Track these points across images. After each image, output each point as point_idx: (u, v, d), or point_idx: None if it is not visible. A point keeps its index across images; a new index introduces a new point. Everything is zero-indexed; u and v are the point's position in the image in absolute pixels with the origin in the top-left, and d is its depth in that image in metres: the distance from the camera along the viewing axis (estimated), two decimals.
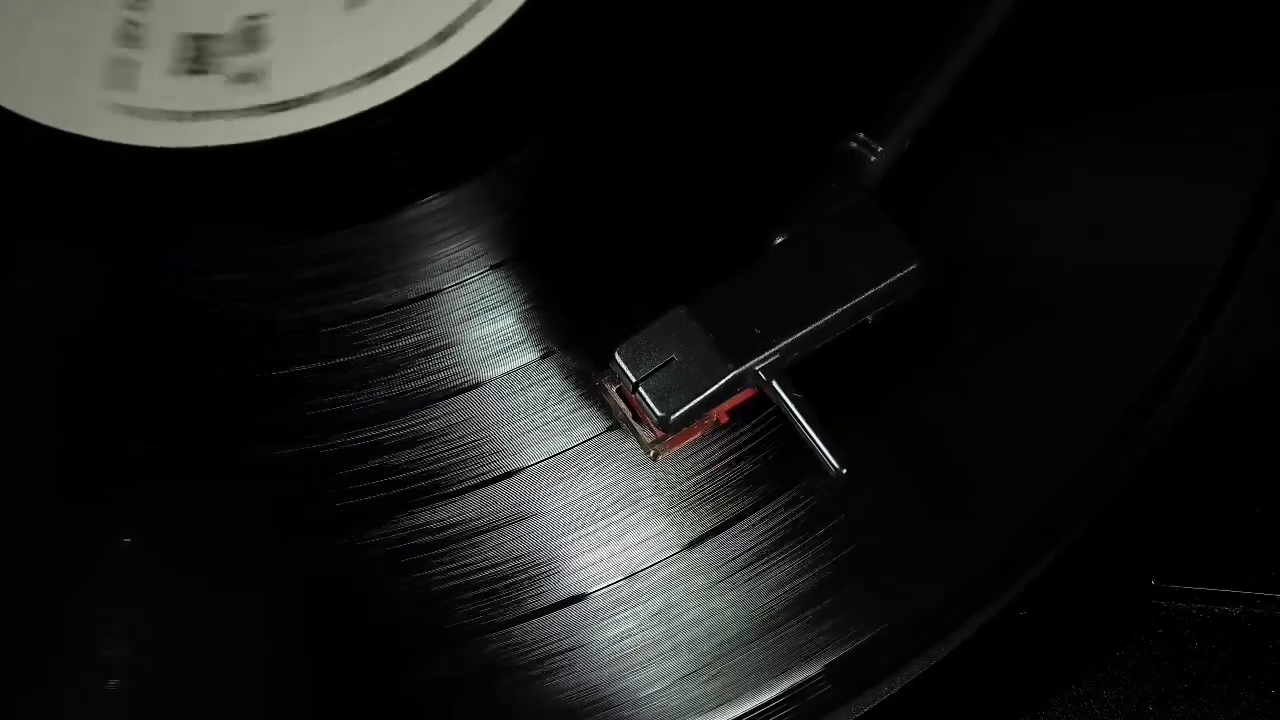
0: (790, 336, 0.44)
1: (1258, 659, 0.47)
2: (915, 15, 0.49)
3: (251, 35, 0.52)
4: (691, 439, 0.45)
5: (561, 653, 0.44)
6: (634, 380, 0.44)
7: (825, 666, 0.44)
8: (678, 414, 0.44)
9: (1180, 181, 0.48)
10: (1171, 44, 0.50)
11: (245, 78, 0.51)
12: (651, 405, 0.44)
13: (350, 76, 0.51)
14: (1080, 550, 0.46)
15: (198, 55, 0.52)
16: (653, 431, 0.44)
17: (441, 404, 0.46)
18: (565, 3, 0.51)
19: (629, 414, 0.45)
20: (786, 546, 0.45)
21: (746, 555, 0.45)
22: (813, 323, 0.44)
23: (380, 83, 0.51)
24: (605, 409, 0.46)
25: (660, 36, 0.51)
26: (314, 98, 0.51)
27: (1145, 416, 0.46)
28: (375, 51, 0.51)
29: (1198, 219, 0.48)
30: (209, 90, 0.51)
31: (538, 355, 0.47)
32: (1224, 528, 0.48)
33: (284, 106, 0.51)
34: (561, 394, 0.46)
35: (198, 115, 0.51)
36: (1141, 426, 0.46)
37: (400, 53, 0.51)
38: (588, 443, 0.46)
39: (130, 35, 0.52)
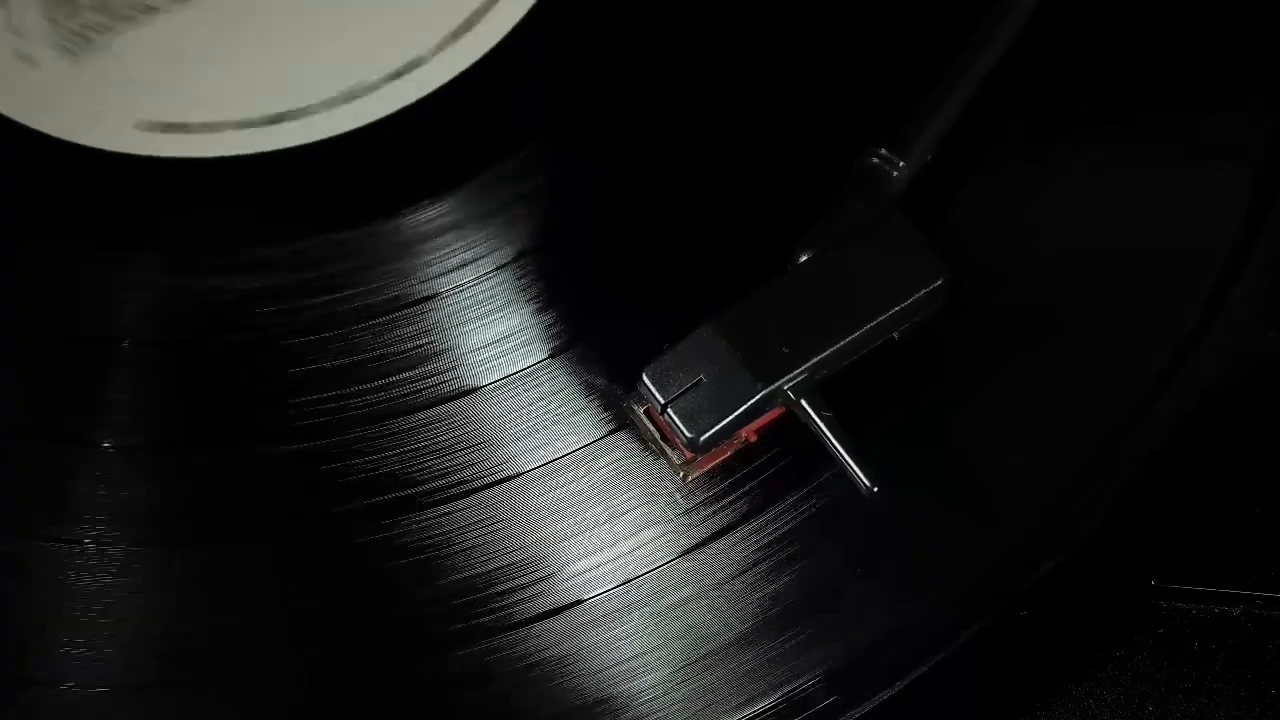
0: (819, 354, 0.44)
1: (1258, 659, 0.47)
2: (934, 28, 0.49)
3: None
4: (721, 459, 0.45)
5: (558, 658, 0.44)
6: (662, 402, 0.44)
7: (825, 667, 0.44)
8: (707, 435, 0.44)
9: (1180, 182, 0.49)
10: (1172, 46, 0.50)
11: None
12: (681, 426, 0.44)
13: (350, 84, 0.51)
14: (1080, 550, 0.46)
15: None
16: (682, 452, 0.44)
17: (441, 407, 0.47)
18: (578, 11, 0.51)
19: (657, 435, 0.45)
20: (785, 550, 0.45)
21: (746, 558, 0.45)
22: (841, 340, 0.44)
23: (384, 89, 0.51)
24: (609, 415, 0.46)
25: (677, 47, 0.51)
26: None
27: (1145, 417, 0.46)
28: (379, 59, 0.51)
29: (1197, 219, 0.48)
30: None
31: (537, 359, 0.47)
32: (1224, 528, 0.48)
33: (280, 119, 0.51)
34: (562, 397, 0.46)
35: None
36: (1141, 427, 0.46)
37: (404, 59, 0.51)
38: (586, 448, 0.46)
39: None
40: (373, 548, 0.45)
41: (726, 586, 0.45)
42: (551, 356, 0.47)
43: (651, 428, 0.45)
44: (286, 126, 0.51)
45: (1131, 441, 0.46)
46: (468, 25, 0.52)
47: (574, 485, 0.46)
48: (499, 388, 0.47)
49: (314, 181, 0.50)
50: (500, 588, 0.45)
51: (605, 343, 0.47)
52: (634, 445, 0.46)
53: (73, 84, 0.51)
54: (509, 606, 0.44)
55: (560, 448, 0.46)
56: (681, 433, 0.44)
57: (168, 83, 0.52)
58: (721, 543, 0.45)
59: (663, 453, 0.45)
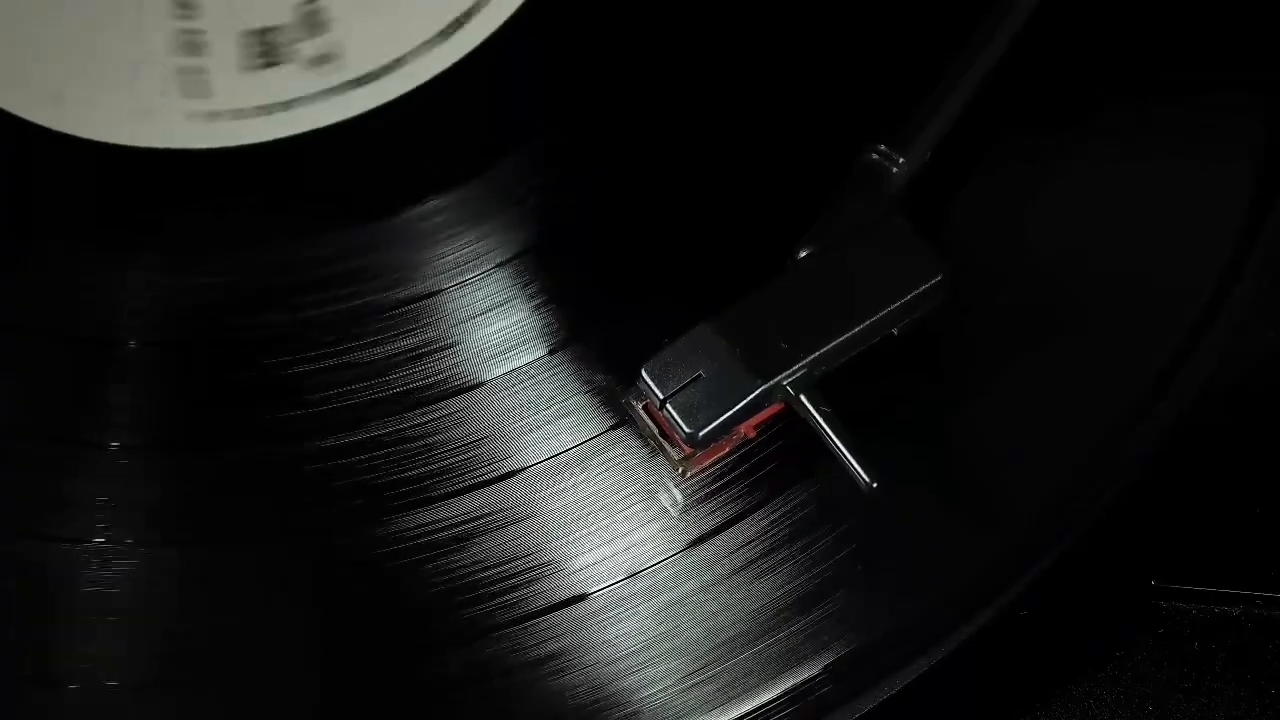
0: (817, 351, 0.44)
1: (1258, 659, 0.47)
2: (933, 28, 0.49)
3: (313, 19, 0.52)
4: (719, 454, 0.45)
5: (562, 653, 0.44)
6: (661, 397, 0.44)
7: (826, 666, 0.44)
8: (706, 430, 0.44)
9: (1180, 182, 0.49)
10: (1172, 46, 0.50)
11: (320, 60, 0.51)
12: (679, 422, 0.44)
13: (351, 78, 0.51)
14: (1080, 550, 0.46)
15: (265, 49, 0.52)
16: (681, 448, 0.45)
17: (443, 403, 0.47)
18: (580, 7, 0.51)
19: (656, 430, 0.45)
20: (786, 547, 0.45)
21: (747, 555, 0.45)
22: (839, 336, 0.44)
23: (385, 83, 0.51)
24: (610, 411, 0.46)
25: (678, 46, 0.51)
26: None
27: (1145, 416, 0.46)
28: (379, 53, 0.52)
29: (1197, 219, 0.48)
30: (285, 80, 0.51)
31: (539, 355, 0.47)
32: (1224, 528, 0.48)
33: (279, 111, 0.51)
34: (562, 394, 0.46)
35: (283, 105, 0.51)
36: (1141, 427, 0.46)
37: (403, 51, 0.51)
38: (589, 442, 0.46)
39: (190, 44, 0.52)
40: (373, 547, 0.45)
41: (724, 584, 0.45)
42: (551, 353, 0.47)
43: (650, 423, 0.45)
44: (285, 118, 0.51)
45: (1131, 441, 0.46)
46: (466, 17, 0.52)
47: (573, 481, 0.46)
48: (499, 385, 0.47)
49: (314, 179, 0.50)
50: (500, 585, 0.45)
51: (605, 340, 0.47)
52: (633, 441, 0.46)
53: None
54: (509, 604, 0.44)
55: (559, 444, 0.46)
56: (680, 428, 0.44)
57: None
58: (719, 540, 0.45)
59: (661, 449, 0.45)
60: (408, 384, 0.47)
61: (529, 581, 0.45)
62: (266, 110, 0.51)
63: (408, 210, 0.49)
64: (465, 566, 0.45)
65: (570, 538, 0.45)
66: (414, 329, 0.47)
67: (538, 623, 0.44)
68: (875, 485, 0.43)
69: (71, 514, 0.46)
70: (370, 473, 0.46)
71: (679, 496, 0.45)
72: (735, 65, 0.50)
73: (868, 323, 0.44)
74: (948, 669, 0.45)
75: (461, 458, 0.46)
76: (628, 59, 0.51)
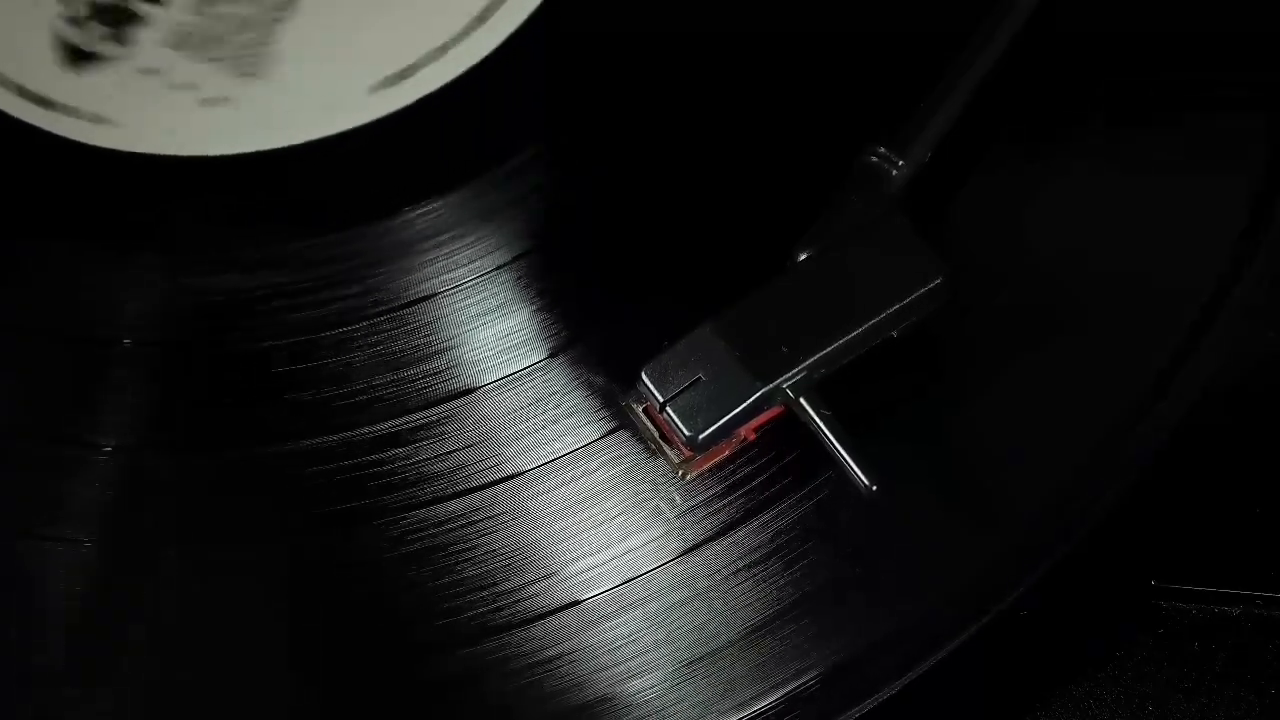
0: (817, 353, 0.44)
1: (1258, 659, 0.47)
2: (933, 28, 0.49)
3: None
4: (720, 457, 0.45)
5: (558, 657, 0.44)
6: (661, 400, 0.44)
7: (825, 667, 0.44)
8: (706, 433, 0.44)
9: (1180, 182, 0.49)
10: (1172, 46, 0.50)
11: None
12: (680, 425, 0.44)
13: (362, 86, 0.51)
14: (1080, 551, 0.46)
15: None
16: (681, 451, 0.45)
17: (440, 407, 0.47)
18: (577, 11, 0.51)
19: (656, 433, 0.45)
20: (784, 549, 0.45)
21: (745, 558, 0.45)
22: (840, 339, 0.44)
23: (391, 90, 0.51)
24: (609, 416, 0.46)
25: (678, 47, 0.51)
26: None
27: (1145, 417, 0.46)
28: (385, 60, 0.52)
29: (1198, 220, 0.48)
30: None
31: (536, 359, 0.47)
32: (1224, 528, 0.48)
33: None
34: (561, 396, 0.46)
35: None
36: (1141, 427, 0.46)
37: (407, 61, 0.51)
38: (585, 447, 0.46)
39: None
40: (372, 547, 0.45)
41: (725, 586, 0.45)
42: (551, 356, 0.47)
43: (650, 426, 0.45)
44: (289, 126, 0.51)
45: (1131, 441, 0.46)
46: (470, 28, 0.52)
47: (572, 484, 0.46)
48: (498, 387, 0.47)
49: (314, 181, 0.50)
50: (499, 588, 0.45)
51: (605, 342, 0.47)
52: (633, 444, 0.46)
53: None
54: (508, 606, 0.44)
55: (559, 447, 0.46)
56: (680, 431, 0.44)
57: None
58: (720, 542, 0.45)
59: (661, 451, 0.45)
60: (406, 386, 0.47)
61: (524, 585, 0.45)
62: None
63: (407, 212, 0.49)
64: (463, 569, 0.45)
65: (567, 541, 0.45)
66: (414, 331, 0.47)
67: (534, 627, 0.44)
68: (875, 488, 0.43)
69: (71, 514, 0.46)
70: (370, 474, 0.46)
71: (677, 499, 0.45)
72: (735, 65, 0.50)
73: (868, 325, 0.44)
74: (948, 669, 0.45)
75: (460, 460, 0.46)
76: (628, 60, 0.51)
